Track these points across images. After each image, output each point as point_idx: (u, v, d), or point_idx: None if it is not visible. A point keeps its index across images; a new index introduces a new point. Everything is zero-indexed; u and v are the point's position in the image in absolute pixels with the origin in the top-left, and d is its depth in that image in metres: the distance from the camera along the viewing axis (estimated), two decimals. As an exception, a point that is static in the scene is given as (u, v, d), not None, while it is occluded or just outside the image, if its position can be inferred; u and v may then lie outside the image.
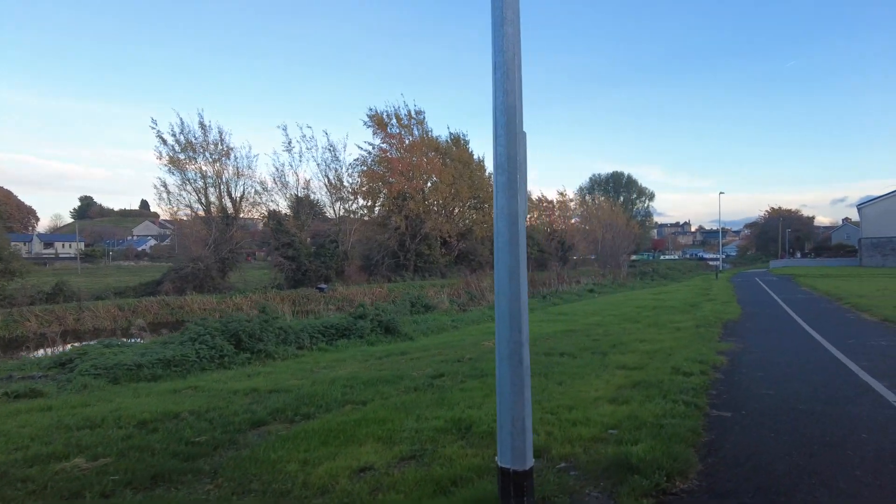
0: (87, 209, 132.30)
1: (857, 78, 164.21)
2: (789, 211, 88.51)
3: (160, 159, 35.64)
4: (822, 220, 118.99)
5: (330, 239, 40.04)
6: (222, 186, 37.71)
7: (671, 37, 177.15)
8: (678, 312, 15.62)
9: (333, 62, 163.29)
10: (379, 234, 41.55)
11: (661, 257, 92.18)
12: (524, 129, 2.98)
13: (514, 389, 2.86)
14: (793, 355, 8.52)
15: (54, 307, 25.85)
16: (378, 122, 42.98)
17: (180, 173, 36.19)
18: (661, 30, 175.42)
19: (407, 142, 44.28)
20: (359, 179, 43.49)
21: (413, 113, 44.54)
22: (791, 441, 4.44)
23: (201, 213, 37.60)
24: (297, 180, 42.23)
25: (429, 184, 45.00)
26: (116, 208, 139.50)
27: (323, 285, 34.27)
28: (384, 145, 43.82)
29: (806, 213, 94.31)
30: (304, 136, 51.71)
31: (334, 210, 43.51)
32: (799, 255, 75.93)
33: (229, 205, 38.14)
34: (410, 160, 43.12)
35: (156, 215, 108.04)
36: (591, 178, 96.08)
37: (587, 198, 72.80)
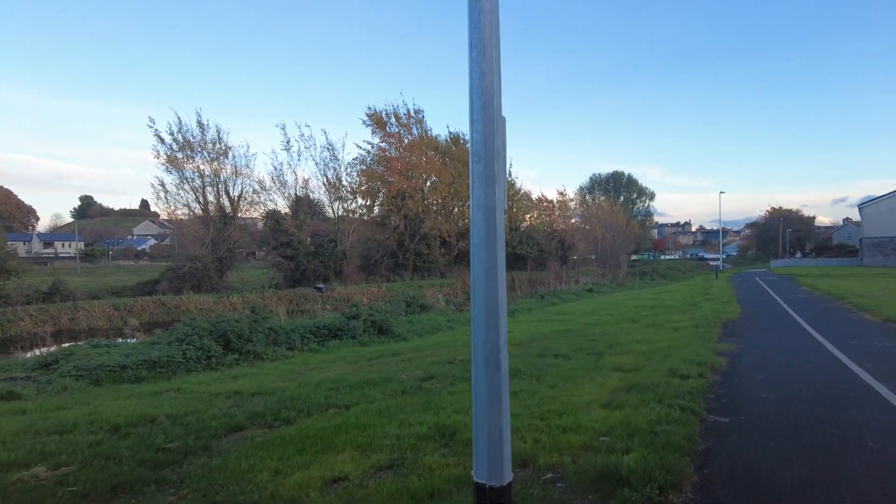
0: (87, 209, 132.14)
1: (857, 78, 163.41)
2: (790, 211, 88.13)
3: (158, 158, 35.39)
4: (822, 219, 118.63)
5: (329, 238, 39.80)
6: (220, 185, 37.44)
7: (671, 37, 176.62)
8: (677, 312, 15.38)
9: (332, 61, 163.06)
10: (378, 233, 41.29)
11: (662, 257, 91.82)
12: (503, 114, 2.75)
13: (491, 397, 2.62)
14: (794, 356, 8.28)
15: (49, 307, 25.66)
16: (377, 121, 42.71)
17: (178, 172, 35.92)
18: (661, 30, 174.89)
19: (406, 141, 44.00)
20: (358, 179, 43.25)
21: (412, 112, 44.31)
22: (792, 449, 4.20)
23: (199, 212, 37.36)
24: (296, 179, 42.01)
25: (428, 183, 44.74)
26: (117, 208, 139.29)
27: (321, 285, 34.03)
28: (383, 144, 43.56)
29: (806, 212, 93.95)
30: (303, 135, 51.72)
31: (333, 209, 43.31)
32: (799, 254, 75.60)
33: (227, 204, 37.88)
34: (409, 159, 42.85)
35: (156, 215, 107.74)
36: (591, 178, 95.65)
37: (587, 197, 72.42)
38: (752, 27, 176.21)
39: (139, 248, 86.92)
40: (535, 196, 59.09)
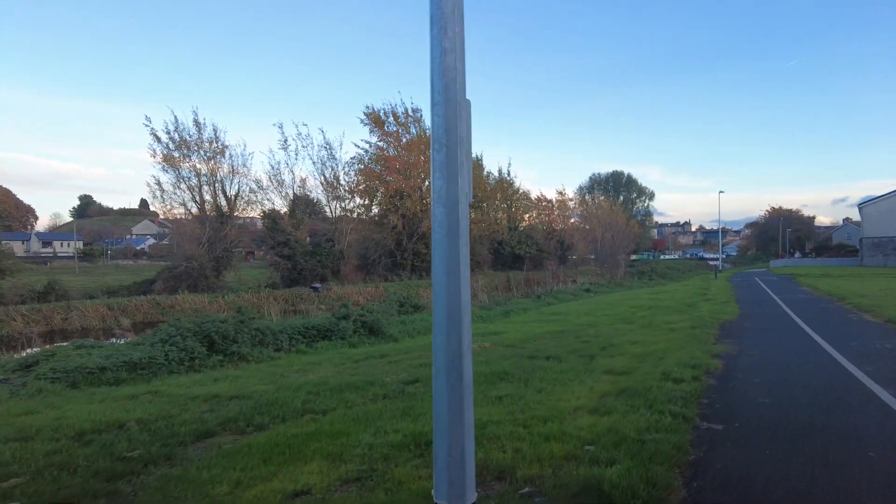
0: (86, 208, 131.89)
1: (857, 78, 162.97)
2: (790, 211, 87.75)
3: (154, 157, 35.10)
4: (822, 219, 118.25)
5: (326, 238, 39.53)
6: (217, 185, 37.20)
7: (671, 37, 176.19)
8: (674, 312, 15.12)
9: (330, 61, 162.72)
10: (376, 232, 41.04)
11: (661, 257, 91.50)
12: (468, 97, 2.50)
13: (453, 410, 2.36)
14: (792, 358, 8.02)
15: (42, 306, 25.40)
16: (375, 119, 42.44)
17: (174, 171, 35.66)
18: (661, 30, 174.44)
19: (404, 140, 43.70)
20: (355, 178, 42.98)
21: (410, 111, 43.97)
22: (789, 459, 3.94)
23: (195, 211, 37.10)
24: (294, 179, 41.71)
25: (426, 182, 44.46)
26: (116, 207, 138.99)
27: (317, 285, 33.75)
28: (381, 143, 43.27)
29: (806, 212, 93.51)
30: (300, 133, 51.21)
31: (331, 209, 43.02)
32: (799, 254, 75.22)
33: (224, 203, 37.61)
34: (408, 158, 42.58)
35: (155, 214, 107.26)
36: (590, 178, 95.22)
37: (587, 197, 72.02)
38: (752, 27, 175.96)
39: (138, 248, 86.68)
40: (534, 196, 58.81)
